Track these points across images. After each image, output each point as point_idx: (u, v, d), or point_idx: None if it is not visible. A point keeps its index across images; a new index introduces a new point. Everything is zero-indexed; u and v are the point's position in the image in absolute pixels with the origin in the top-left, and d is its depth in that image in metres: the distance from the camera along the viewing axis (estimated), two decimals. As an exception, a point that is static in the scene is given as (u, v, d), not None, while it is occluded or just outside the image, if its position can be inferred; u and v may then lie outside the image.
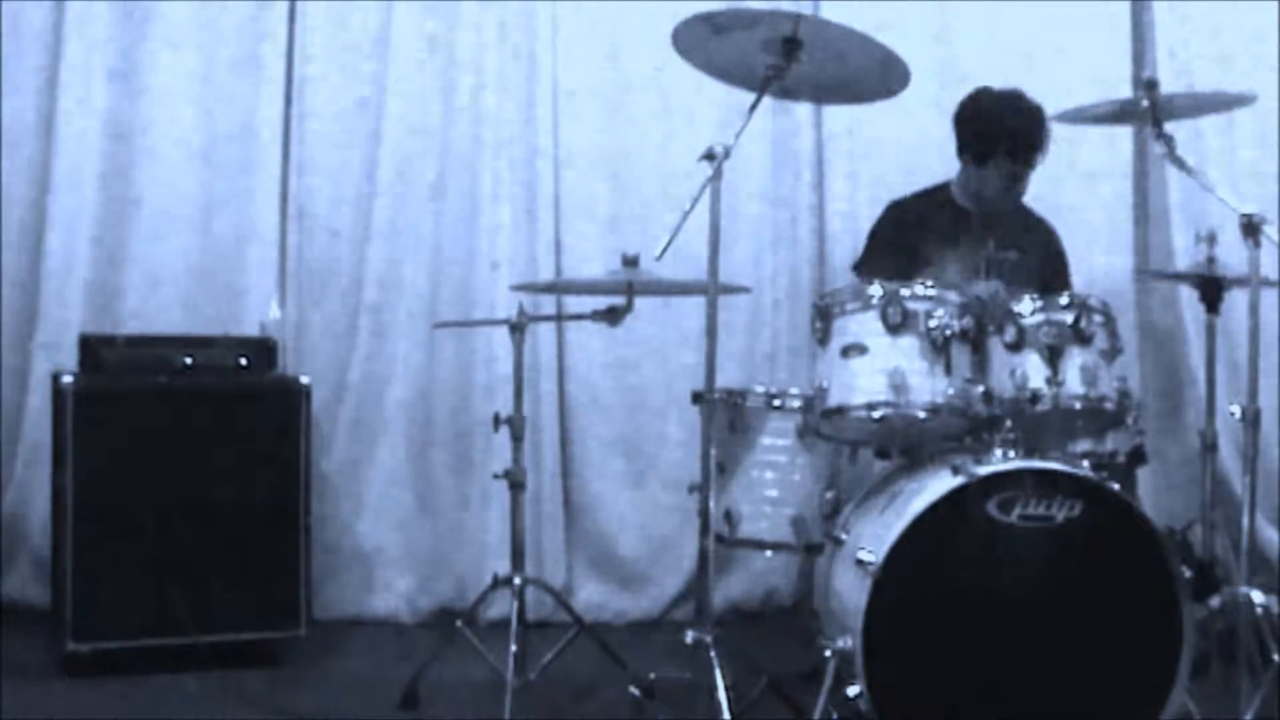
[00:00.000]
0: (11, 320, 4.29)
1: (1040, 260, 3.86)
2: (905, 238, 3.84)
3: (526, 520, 3.59)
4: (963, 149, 3.84)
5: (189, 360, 3.81)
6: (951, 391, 3.00)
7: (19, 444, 4.27)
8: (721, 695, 2.84)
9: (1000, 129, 3.74)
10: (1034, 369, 3.03)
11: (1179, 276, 4.20)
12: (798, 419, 3.21)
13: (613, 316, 3.31)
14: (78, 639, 3.62)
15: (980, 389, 3.04)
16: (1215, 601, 3.20)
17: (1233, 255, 3.37)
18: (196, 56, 4.39)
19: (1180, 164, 3.20)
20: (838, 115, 4.63)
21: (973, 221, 3.86)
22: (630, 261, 3.21)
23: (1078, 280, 3.96)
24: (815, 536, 3.21)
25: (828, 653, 2.92)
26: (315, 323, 4.48)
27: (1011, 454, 2.99)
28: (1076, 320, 3.03)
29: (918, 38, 4.24)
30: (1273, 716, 3.09)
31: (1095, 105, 3.44)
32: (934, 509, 2.87)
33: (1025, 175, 3.79)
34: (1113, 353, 3.09)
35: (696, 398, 3.05)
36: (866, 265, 3.87)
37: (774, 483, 3.23)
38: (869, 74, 3.13)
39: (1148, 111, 3.23)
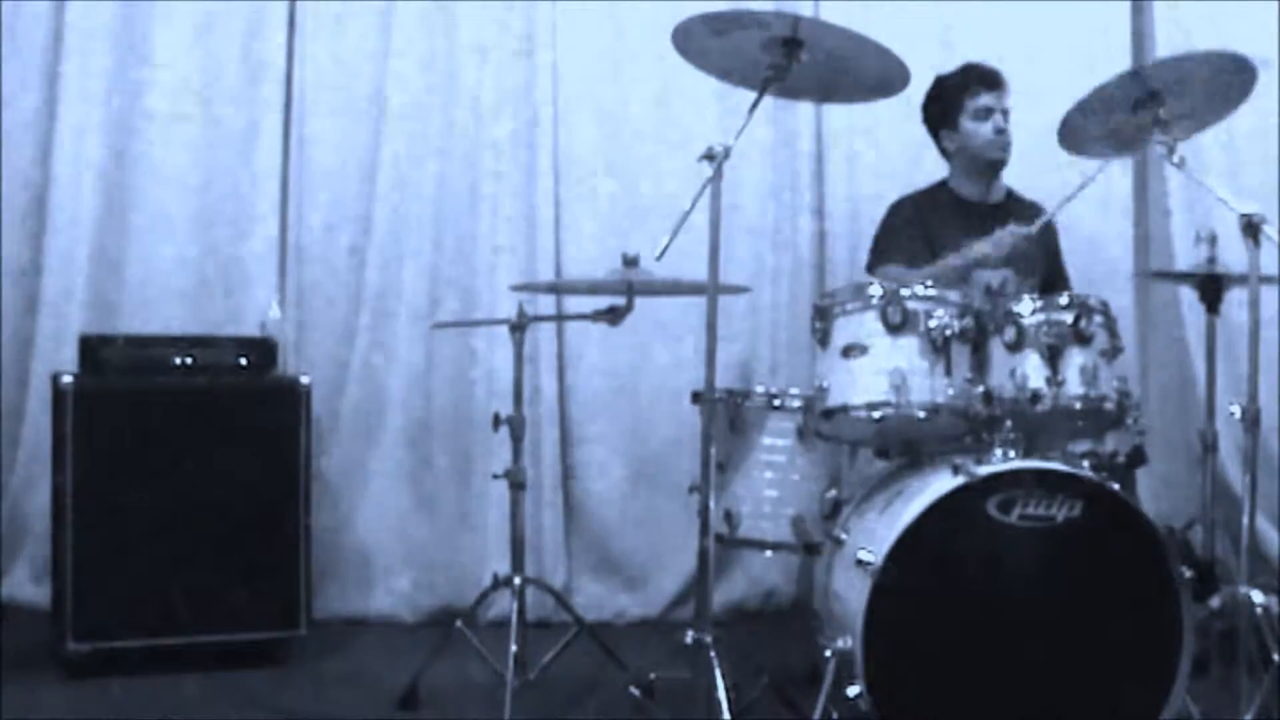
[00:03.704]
0: (11, 320, 4.29)
1: (1042, 245, 3.86)
2: (919, 224, 3.83)
3: (526, 520, 3.60)
4: (939, 122, 3.90)
5: (189, 360, 3.80)
6: (951, 391, 3.00)
7: (19, 444, 4.28)
8: (721, 695, 2.84)
9: (954, 75, 3.89)
10: (1034, 369, 3.03)
11: (1179, 276, 4.19)
12: (798, 419, 3.22)
13: (613, 316, 3.31)
14: (78, 639, 3.62)
15: (980, 389, 3.04)
16: (1215, 601, 3.20)
17: (1233, 255, 3.37)
18: (196, 56, 4.39)
19: (1180, 164, 3.19)
20: (838, 115, 4.63)
21: (975, 211, 3.86)
22: (630, 261, 3.20)
23: (1077, 280, 3.97)
24: (815, 536, 3.21)
25: (828, 653, 2.91)
26: (315, 323, 4.48)
27: (1011, 454, 2.98)
28: (1076, 320, 3.03)
29: (918, 38, 4.23)
30: (1273, 716, 3.09)
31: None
32: (934, 509, 2.86)
33: (1001, 109, 3.82)
34: (1113, 353, 3.09)
35: (696, 398, 3.05)
36: (883, 256, 3.81)
37: (774, 483, 3.23)
38: (869, 74, 3.13)
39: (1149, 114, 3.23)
